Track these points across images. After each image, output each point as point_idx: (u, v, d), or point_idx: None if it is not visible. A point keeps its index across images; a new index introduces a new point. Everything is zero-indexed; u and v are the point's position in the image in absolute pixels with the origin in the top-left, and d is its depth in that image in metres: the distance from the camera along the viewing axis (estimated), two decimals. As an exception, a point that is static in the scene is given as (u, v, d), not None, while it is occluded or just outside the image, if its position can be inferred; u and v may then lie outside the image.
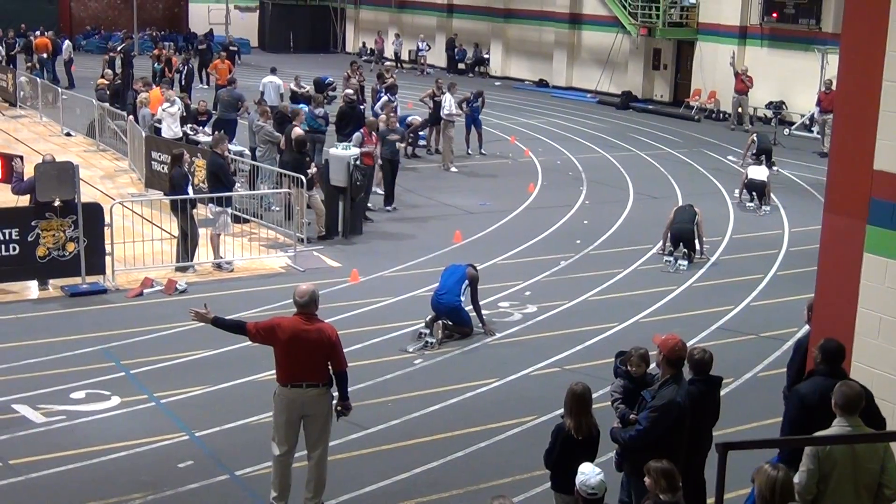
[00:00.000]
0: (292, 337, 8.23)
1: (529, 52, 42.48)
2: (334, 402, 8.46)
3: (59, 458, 9.40)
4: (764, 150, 22.87)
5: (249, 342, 8.74)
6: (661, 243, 16.74)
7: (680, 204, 18.01)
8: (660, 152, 26.73)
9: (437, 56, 45.85)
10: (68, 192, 13.82)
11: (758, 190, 20.24)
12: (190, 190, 15.45)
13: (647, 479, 6.44)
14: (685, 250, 16.22)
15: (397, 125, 20.47)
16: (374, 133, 18.63)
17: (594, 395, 7.68)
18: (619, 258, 16.51)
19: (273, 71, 27.46)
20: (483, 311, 13.13)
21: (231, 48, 36.50)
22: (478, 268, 13.46)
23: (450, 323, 12.73)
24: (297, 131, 17.96)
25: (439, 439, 10.02)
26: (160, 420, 10.30)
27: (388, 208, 19.32)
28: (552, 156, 25.79)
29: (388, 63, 33.34)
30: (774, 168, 23.08)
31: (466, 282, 12.86)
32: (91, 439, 9.78)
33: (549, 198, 20.94)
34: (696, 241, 16.38)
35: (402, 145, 20.01)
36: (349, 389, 8.51)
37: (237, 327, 8.69)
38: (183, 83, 30.92)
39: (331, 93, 27.86)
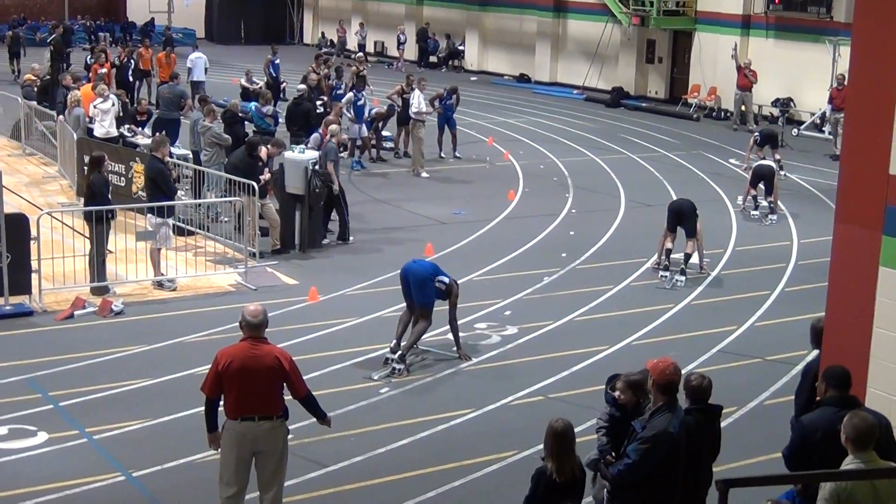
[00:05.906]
0: (243, 366, 8.21)
1: (509, 43, 42.65)
2: (290, 435, 8.47)
3: (-22, 502, 9.32)
4: (769, 136, 22.68)
5: (194, 370, 8.69)
6: (655, 256, 16.81)
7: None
8: (654, 155, 26.89)
9: (406, 48, 45.94)
10: (-11, 202, 13.74)
11: (767, 178, 20.06)
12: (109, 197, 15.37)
13: None
14: (684, 257, 16.05)
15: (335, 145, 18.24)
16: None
17: (583, 427, 7.70)
18: (609, 273, 16.57)
19: (196, 47, 32.10)
20: (459, 334, 13.13)
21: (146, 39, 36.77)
22: (451, 285, 13.47)
23: (415, 305, 12.58)
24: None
25: (409, 478, 10.00)
26: (93, 458, 10.21)
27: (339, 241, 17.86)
28: (535, 159, 25.89)
29: (359, 55, 33.44)
30: (782, 172, 23.07)
31: (445, 279, 12.80)
32: (15, 481, 9.68)
33: (532, 206, 21.01)
34: (696, 254, 16.39)
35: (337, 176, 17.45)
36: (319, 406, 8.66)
37: (208, 405, 8.48)
38: (131, 79, 29.93)
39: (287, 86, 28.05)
